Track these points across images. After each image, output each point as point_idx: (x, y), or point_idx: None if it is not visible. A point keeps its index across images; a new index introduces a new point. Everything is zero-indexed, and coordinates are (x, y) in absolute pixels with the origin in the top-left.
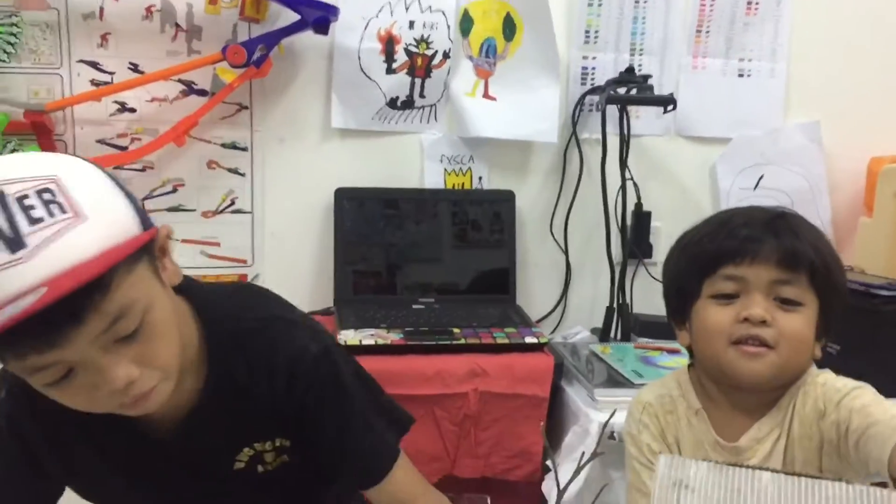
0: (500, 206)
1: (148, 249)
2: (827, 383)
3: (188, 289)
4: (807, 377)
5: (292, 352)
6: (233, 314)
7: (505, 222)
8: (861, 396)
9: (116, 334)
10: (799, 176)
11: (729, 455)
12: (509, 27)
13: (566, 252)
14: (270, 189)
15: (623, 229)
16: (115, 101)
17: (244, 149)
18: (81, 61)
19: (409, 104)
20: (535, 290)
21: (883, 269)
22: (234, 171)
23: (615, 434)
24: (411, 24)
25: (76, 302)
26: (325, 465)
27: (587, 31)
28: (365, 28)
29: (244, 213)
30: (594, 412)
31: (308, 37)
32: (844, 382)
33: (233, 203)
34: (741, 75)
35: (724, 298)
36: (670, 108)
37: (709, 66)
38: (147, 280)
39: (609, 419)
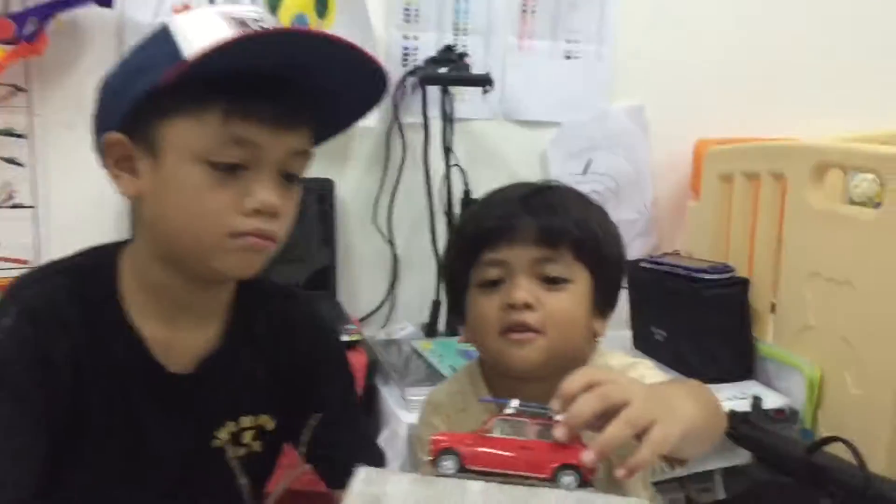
0: (319, 195)
1: None
2: (605, 365)
3: None
4: (593, 359)
5: (315, 323)
6: (260, 276)
7: (325, 213)
8: (633, 372)
9: (290, 164)
10: (624, 160)
11: None
12: (321, 3)
13: (392, 244)
14: (56, 181)
15: (450, 218)
16: None
17: (22, 136)
18: None
19: None
20: (360, 285)
21: (709, 252)
22: (11, 161)
23: None
24: None
25: (312, 100)
26: (312, 451)
27: (406, 9)
28: (159, 1)
29: (25, 207)
30: (405, 413)
31: (93, 10)
32: (620, 360)
33: (11, 197)
34: (568, 57)
35: (490, 286)
36: (488, 87)
37: (535, 47)
38: None
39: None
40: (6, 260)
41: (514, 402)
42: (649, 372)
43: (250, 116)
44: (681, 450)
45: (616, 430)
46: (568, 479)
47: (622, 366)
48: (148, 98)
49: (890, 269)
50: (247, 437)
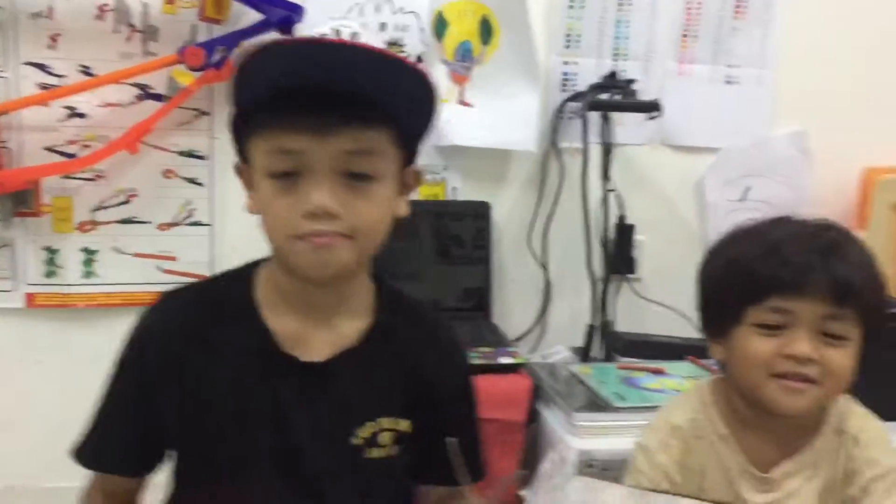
0: (475, 218)
1: (407, 159)
2: (869, 446)
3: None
4: (844, 415)
5: (454, 338)
6: (404, 292)
7: (480, 235)
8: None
9: (351, 165)
10: (785, 188)
11: (758, 484)
12: (486, 30)
13: (545, 267)
14: (232, 201)
15: (605, 243)
16: (65, 106)
17: (203, 157)
18: (29, 63)
19: None
20: (512, 307)
21: None
22: (193, 181)
23: (594, 463)
24: (382, 26)
25: (359, 104)
26: (433, 453)
27: (568, 35)
28: (334, 30)
29: (203, 225)
30: (573, 438)
31: (272, 38)
32: (888, 467)
33: (191, 215)
34: (728, 82)
35: (768, 329)
36: (655, 114)
37: (695, 72)
38: (393, 171)
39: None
40: (184, 274)
41: None
42: None
43: (287, 127)
44: None
45: None
46: None
47: (884, 474)
48: (240, 125)
49: None
50: (385, 438)
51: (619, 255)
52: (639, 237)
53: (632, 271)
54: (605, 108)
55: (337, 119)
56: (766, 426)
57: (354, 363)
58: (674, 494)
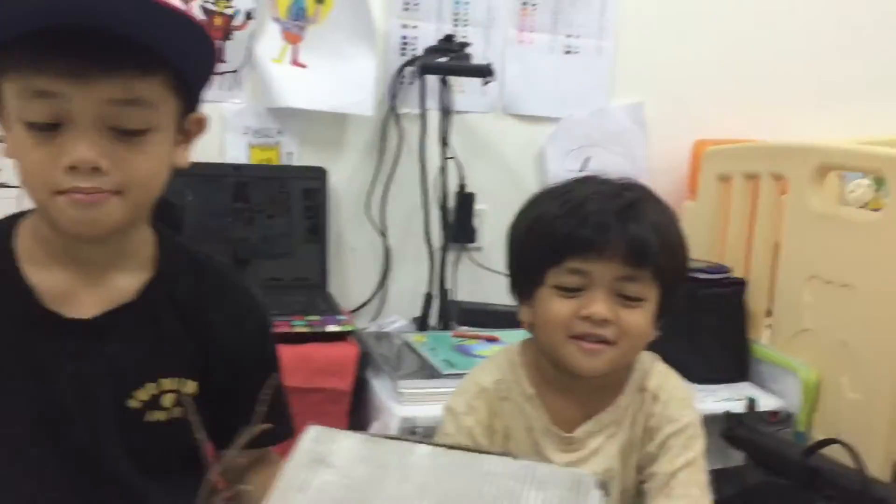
0: (311, 184)
1: (187, 107)
2: (668, 403)
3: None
4: (647, 373)
5: (247, 294)
6: (189, 246)
7: (316, 202)
8: (684, 461)
9: (120, 119)
10: (622, 158)
11: (562, 444)
12: None
13: (384, 235)
14: None
15: (444, 212)
16: None
17: None
18: None
19: None
20: (351, 276)
21: (705, 253)
22: None
23: (416, 430)
24: None
25: (128, 49)
26: (229, 417)
27: None
28: None
29: (8, 187)
30: (397, 406)
31: None
32: (685, 423)
33: None
34: (568, 52)
35: (567, 291)
36: (489, 78)
37: (535, 40)
38: (170, 121)
39: None
40: None
41: None
42: (693, 479)
43: (43, 68)
44: None
45: None
46: None
47: (682, 442)
48: None
49: (891, 273)
50: (167, 400)
51: (458, 224)
52: (479, 206)
53: (472, 240)
54: (438, 71)
55: (100, 63)
56: (570, 387)
57: (130, 320)
58: (409, 441)
